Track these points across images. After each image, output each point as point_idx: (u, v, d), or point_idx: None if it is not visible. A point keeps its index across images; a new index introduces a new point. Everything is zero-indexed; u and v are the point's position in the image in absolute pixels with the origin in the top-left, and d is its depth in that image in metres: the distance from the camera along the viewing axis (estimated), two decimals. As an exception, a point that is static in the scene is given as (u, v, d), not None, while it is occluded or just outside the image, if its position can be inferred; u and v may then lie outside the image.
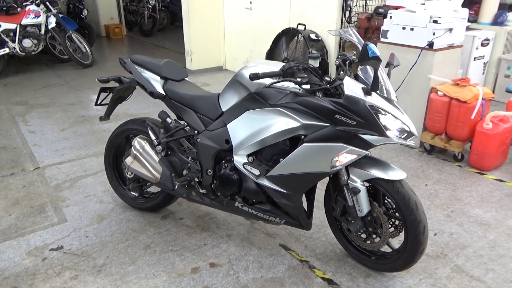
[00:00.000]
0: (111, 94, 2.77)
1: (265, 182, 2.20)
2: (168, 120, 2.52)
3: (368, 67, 2.07)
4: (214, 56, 6.91)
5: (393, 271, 2.23)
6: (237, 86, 2.28)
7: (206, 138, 2.38)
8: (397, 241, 2.34)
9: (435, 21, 3.48)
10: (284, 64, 2.09)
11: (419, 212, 2.02)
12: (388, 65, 2.31)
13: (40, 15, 6.55)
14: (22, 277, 2.25)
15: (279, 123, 2.10)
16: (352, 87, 1.95)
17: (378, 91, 1.98)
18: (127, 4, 11.04)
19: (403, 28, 3.71)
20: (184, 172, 2.48)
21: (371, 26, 4.12)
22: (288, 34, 4.69)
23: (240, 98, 2.27)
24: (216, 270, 2.31)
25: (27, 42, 6.49)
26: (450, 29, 3.55)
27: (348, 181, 2.12)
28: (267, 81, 2.12)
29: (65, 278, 2.24)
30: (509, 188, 3.20)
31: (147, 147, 2.53)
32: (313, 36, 4.43)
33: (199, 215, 2.82)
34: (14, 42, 6.37)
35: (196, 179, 2.46)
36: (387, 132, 1.94)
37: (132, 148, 2.57)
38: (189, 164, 2.45)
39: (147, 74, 2.54)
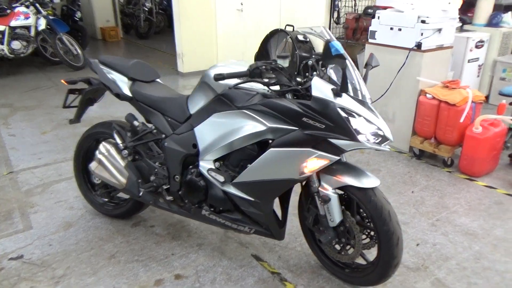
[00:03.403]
0: (80, 96, 2.66)
1: (231, 190, 2.07)
2: (136, 123, 2.39)
3: (348, 64, 1.95)
4: (206, 58, 6.78)
5: (368, 285, 2.09)
6: (204, 88, 2.16)
7: (173, 142, 2.26)
8: (373, 253, 2.20)
9: (423, 21, 3.35)
10: (251, 64, 1.97)
11: (393, 222, 1.88)
12: (366, 65, 2.20)
13: (30, 17, 6.47)
14: (-24, 288, 2.14)
15: (245, 126, 1.97)
16: (320, 88, 1.82)
17: (350, 93, 1.85)
18: (123, 7, 10.98)
19: (391, 28, 3.58)
20: (152, 178, 2.35)
21: (359, 26, 4.00)
22: (275, 36, 4.56)
23: (207, 100, 2.14)
24: (181, 282, 2.18)
25: (16, 44, 6.41)
26: (439, 30, 3.42)
27: (319, 188, 1.98)
28: (234, 81, 1.99)
29: (20, 290, 2.12)
30: (499, 195, 3.05)
31: (113, 151, 2.41)
32: (301, 37, 4.29)
33: (171, 223, 2.70)
34: (2, 44, 6.29)
35: (164, 186, 2.33)
36: (359, 137, 1.81)
37: (97, 152, 2.45)
38: (156, 170, 2.33)
39: (115, 75, 2.42)
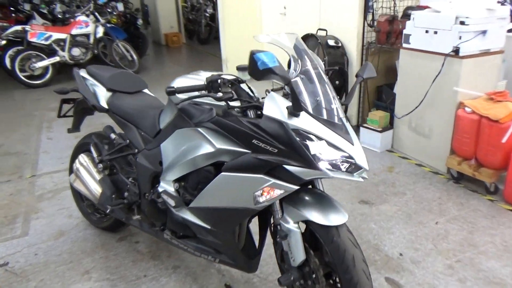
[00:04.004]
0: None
1: (186, 215, 1.88)
2: (112, 135, 2.31)
3: (314, 78, 1.68)
4: (252, 63, 6.65)
5: None
6: (170, 102, 2.00)
7: (143, 158, 2.13)
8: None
9: (461, 23, 2.86)
10: (208, 76, 1.77)
11: (357, 270, 1.56)
12: (357, 76, 1.88)
13: (89, 25, 6.87)
14: (-46, 293, 2.20)
15: (197, 146, 1.78)
16: (272, 105, 1.57)
17: (310, 111, 1.57)
18: (188, 13, 11.30)
19: (426, 31, 3.12)
20: (125, 194, 2.25)
21: (394, 30, 3.56)
22: (307, 41, 4.27)
23: (172, 115, 1.98)
24: (140, 309, 2.05)
25: (75, 51, 6.84)
26: (483, 32, 2.89)
27: (281, 220, 1.71)
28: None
29: (-10, 300, 2.14)
30: (549, 235, 2.48)
31: (88, 164, 2.35)
32: (331, 43, 3.96)
33: (155, 240, 2.58)
34: (63, 50, 6.75)
35: (136, 203, 2.22)
36: (319, 164, 1.52)
37: (74, 164, 2.41)
38: (128, 186, 2.22)
39: (96, 86, 2.37)
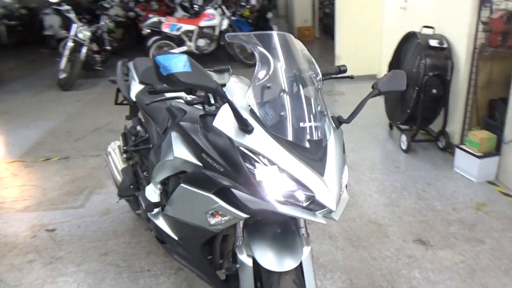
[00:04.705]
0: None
1: (158, 221, 1.77)
2: (138, 127, 2.35)
3: (284, 87, 1.41)
4: (368, 62, 6.11)
5: None
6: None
7: (153, 153, 2.11)
8: None
9: None
10: None
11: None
12: (373, 88, 1.53)
13: (216, 18, 7.25)
14: (7, 245, 2.55)
15: (166, 151, 1.66)
16: (225, 116, 1.34)
17: (270, 129, 1.30)
18: (324, 7, 11.02)
19: (549, 33, 2.33)
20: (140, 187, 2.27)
21: (511, 29, 2.76)
22: (409, 41, 3.66)
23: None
24: (126, 303, 2.05)
25: (201, 42, 7.31)
26: None
27: (237, 249, 1.48)
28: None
29: (24, 260, 2.42)
30: None
31: (116, 152, 2.43)
32: (433, 43, 3.30)
33: (177, 236, 2.55)
34: (191, 41, 7.28)
35: None
36: (266, 194, 1.26)
37: (107, 150, 2.53)
38: (140, 180, 2.24)
39: (133, 79, 2.42)
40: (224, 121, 1.34)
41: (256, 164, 1.28)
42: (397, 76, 1.56)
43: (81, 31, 6.66)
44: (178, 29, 7.18)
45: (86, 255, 2.43)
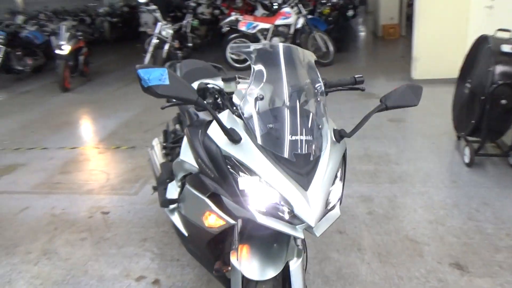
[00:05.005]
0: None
1: (173, 217, 1.89)
2: (177, 126, 2.50)
3: (274, 99, 1.44)
4: (449, 65, 5.65)
5: None
6: None
7: (184, 152, 2.24)
8: None
9: None
10: (200, 83, 1.72)
11: None
12: (381, 101, 1.49)
13: (291, 16, 7.27)
14: (68, 222, 2.90)
15: (181, 151, 1.76)
16: (215, 125, 1.40)
17: (258, 140, 1.33)
18: (413, 4, 10.38)
19: None
20: None
21: None
22: (480, 45, 3.31)
23: None
24: (153, 287, 2.22)
25: (275, 40, 7.38)
26: None
27: (230, 252, 1.53)
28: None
29: (77, 237, 2.73)
30: None
31: (157, 148, 2.61)
32: (507, 49, 2.96)
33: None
34: (265, 39, 7.39)
35: None
36: (248, 204, 1.30)
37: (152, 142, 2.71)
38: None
39: None
40: (217, 129, 1.39)
41: (241, 173, 1.32)
42: (409, 91, 1.48)
43: (165, 29, 7.14)
44: (254, 28, 7.35)
45: (129, 239, 2.67)
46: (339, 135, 1.47)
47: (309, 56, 1.61)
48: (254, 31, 7.35)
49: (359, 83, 1.73)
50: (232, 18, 7.46)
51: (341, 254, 2.37)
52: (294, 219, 1.29)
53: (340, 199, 1.44)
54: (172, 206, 1.92)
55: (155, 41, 7.04)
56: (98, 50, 11.06)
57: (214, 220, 1.48)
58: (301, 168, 1.31)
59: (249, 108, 1.40)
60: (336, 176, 1.40)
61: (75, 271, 2.40)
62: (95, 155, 4.13)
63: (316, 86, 1.52)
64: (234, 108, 1.47)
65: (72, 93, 6.82)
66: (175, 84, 1.22)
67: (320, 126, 1.43)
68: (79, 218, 2.95)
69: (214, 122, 1.43)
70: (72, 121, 5.33)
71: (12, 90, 7.54)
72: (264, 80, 1.45)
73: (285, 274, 1.44)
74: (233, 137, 1.31)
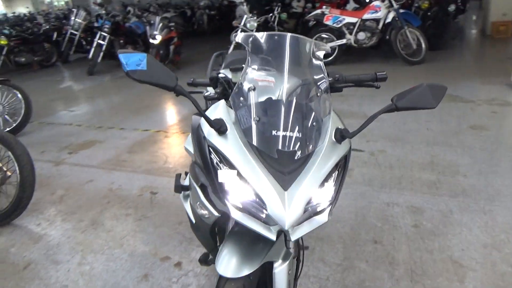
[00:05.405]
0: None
1: (185, 204, 1.90)
2: None
3: (265, 89, 1.37)
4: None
5: None
6: None
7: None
8: None
9: None
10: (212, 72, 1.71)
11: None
12: (392, 102, 1.37)
13: (381, 10, 6.85)
14: (120, 198, 3.13)
15: None
16: (210, 113, 1.38)
17: (242, 133, 1.29)
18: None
19: None
20: None
21: None
22: None
23: None
24: (175, 269, 2.28)
25: (361, 35, 7.04)
26: None
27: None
28: None
29: (124, 212, 2.92)
30: None
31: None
32: None
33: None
34: (351, 34, 7.09)
35: None
36: (227, 198, 1.27)
37: None
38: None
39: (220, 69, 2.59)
40: (204, 120, 1.37)
41: (222, 165, 1.28)
42: (428, 91, 1.28)
43: (249, 21, 7.26)
44: (339, 22, 7.09)
45: (166, 220, 2.78)
46: (340, 135, 1.34)
47: (319, 49, 1.49)
48: (339, 25, 7.10)
49: (380, 81, 1.56)
50: (318, 11, 7.28)
51: (370, 265, 2.19)
52: (270, 219, 1.21)
53: (332, 204, 1.31)
54: (185, 193, 1.94)
55: (239, 33, 7.19)
56: (195, 41, 11.71)
57: (204, 210, 1.47)
58: (284, 166, 1.23)
59: (239, 99, 1.35)
60: (328, 179, 1.28)
61: (112, 243, 2.57)
62: (162, 138, 4.37)
63: (321, 81, 1.41)
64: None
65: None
66: (154, 70, 1.22)
67: (314, 124, 1.32)
68: (130, 195, 3.16)
69: (208, 111, 1.41)
70: (152, 105, 5.72)
71: (113, 74, 8.35)
72: (263, 70, 1.38)
73: (270, 277, 1.37)
74: (219, 127, 1.28)
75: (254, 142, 1.25)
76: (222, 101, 1.42)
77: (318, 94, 1.37)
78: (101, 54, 8.31)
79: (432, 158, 3.39)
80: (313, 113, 1.34)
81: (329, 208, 1.30)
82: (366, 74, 1.58)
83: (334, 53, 7.32)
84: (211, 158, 1.31)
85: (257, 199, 1.21)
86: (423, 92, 1.29)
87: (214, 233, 1.72)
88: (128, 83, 7.20)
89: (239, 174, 1.22)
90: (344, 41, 7.14)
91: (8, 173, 2.85)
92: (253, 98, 1.33)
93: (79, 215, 2.93)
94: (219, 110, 1.37)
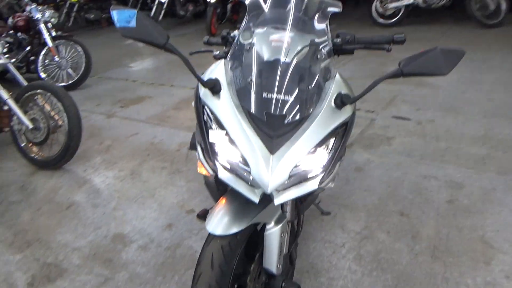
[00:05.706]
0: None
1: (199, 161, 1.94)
2: None
3: (263, 51, 1.33)
4: None
5: None
6: None
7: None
8: None
9: None
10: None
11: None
12: (398, 66, 1.29)
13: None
14: (159, 151, 3.26)
15: None
16: (209, 73, 1.37)
17: (235, 93, 1.28)
18: None
19: None
20: None
21: None
22: None
23: None
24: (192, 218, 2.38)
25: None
26: None
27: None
28: None
29: (160, 165, 3.06)
30: None
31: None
32: None
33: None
34: (418, -5, 6.52)
35: None
36: (216, 156, 1.28)
37: None
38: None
39: None
40: (204, 77, 1.36)
41: (214, 125, 1.28)
42: (441, 56, 1.16)
43: None
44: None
45: (196, 176, 2.87)
46: (341, 101, 1.27)
47: (329, 6, 1.39)
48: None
49: (397, 42, 1.44)
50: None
51: (391, 236, 2.11)
52: (255, 181, 1.20)
53: (326, 172, 1.26)
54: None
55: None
56: None
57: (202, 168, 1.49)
58: (274, 130, 1.20)
59: (236, 59, 1.32)
60: (322, 145, 1.23)
61: (145, 193, 2.72)
62: (207, 97, 4.43)
63: (325, 42, 1.32)
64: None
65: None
66: (143, 27, 1.21)
67: (314, 87, 1.25)
68: (169, 150, 3.29)
69: (208, 70, 1.40)
70: (204, 63, 5.75)
71: (173, 32, 8.50)
72: (263, 28, 1.32)
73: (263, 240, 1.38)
74: (212, 87, 1.26)
75: (245, 104, 1.23)
76: (222, 61, 1.40)
77: (319, 56, 1.29)
78: (163, 12, 8.47)
79: (486, 131, 3.11)
80: (315, 76, 1.27)
81: (321, 175, 1.26)
82: (381, 36, 1.46)
83: (399, 13, 6.81)
84: (204, 118, 1.31)
85: (244, 161, 1.20)
86: (435, 57, 1.16)
87: (223, 190, 1.75)
88: (187, 42, 7.32)
89: (227, 134, 1.22)
90: (410, 1, 6.59)
91: (60, 123, 3.08)
92: (251, 58, 1.29)
93: (121, 165, 3.12)
94: (217, 70, 1.36)
